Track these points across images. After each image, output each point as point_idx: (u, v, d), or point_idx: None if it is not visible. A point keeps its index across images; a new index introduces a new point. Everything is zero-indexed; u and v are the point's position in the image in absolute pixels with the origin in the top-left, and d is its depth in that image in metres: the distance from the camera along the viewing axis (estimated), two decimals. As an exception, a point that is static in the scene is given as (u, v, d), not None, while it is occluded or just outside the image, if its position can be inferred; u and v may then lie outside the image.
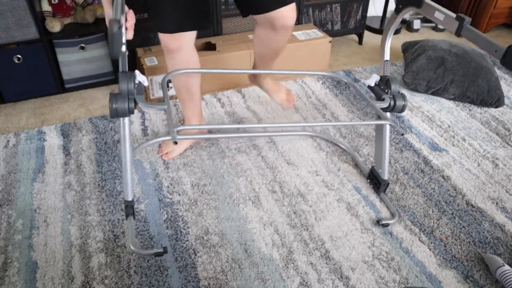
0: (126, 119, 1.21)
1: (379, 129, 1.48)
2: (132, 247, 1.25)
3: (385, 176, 1.49)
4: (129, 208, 1.36)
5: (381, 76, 1.40)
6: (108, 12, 1.27)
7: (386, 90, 1.36)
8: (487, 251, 1.34)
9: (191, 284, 1.22)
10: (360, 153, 1.72)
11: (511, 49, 1.02)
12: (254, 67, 1.71)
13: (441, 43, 2.15)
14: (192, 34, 1.45)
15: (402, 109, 1.35)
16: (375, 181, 1.54)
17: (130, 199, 1.34)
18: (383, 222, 1.40)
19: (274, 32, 1.43)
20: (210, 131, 1.81)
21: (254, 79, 1.81)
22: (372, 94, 1.76)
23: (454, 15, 1.17)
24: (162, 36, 1.41)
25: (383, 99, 1.34)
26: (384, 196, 1.51)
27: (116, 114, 1.11)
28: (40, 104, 2.03)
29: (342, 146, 1.75)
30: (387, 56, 1.45)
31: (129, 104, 1.12)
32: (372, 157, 1.70)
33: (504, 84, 2.24)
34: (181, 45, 1.43)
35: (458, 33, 1.17)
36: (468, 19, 1.14)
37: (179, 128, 1.11)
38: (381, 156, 1.48)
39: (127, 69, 1.16)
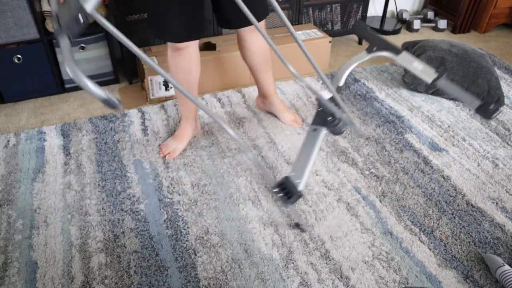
0: None
1: (312, 136, 1.32)
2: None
3: (301, 187, 1.29)
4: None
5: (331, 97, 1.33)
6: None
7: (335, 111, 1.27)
8: (487, 251, 1.34)
9: (191, 284, 1.22)
10: (360, 153, 1.72)
11: (485, 105, 1.07)
12: (257, 86, 1.84)
13: (441, 43, 2.15)
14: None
15: (339, 133, 1.31)
16: (286, 191, 1.30)
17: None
18: (302, 227, 1.38)
19: (249, 35, 1.62)
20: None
21: (263, 104, 1.92)
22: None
23: (433, 69, 1.27)
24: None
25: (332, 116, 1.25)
26: (293, 208, 1.36)
27: None
28: (40, 104, 2.03)
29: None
30: (341, 83, 1.42)
31: None
32: (372, 157, 1.70)
33: (504, 84, 2.24)
34: (189, 44, 1.50)
35: (432, 83, 1.25)
36: (446, 73, 1.23)
37: None
38: (305, 165, 1.29)
39: None
